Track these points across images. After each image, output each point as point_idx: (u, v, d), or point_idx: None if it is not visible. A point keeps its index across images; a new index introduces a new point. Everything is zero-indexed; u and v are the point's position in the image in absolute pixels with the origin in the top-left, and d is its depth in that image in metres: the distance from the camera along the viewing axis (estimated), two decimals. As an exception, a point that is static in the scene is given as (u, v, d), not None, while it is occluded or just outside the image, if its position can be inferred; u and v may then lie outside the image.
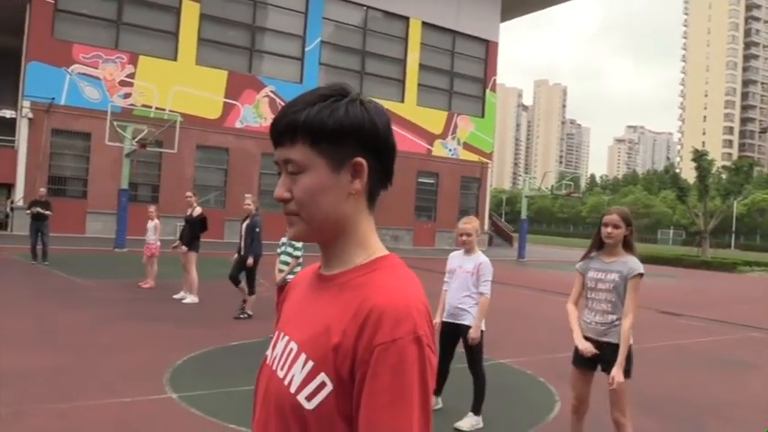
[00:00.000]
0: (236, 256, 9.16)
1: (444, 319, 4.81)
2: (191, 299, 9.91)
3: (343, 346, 0.96)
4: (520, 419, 5.10)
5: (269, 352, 1.10)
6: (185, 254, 10.00)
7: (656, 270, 26.02)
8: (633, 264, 3.70)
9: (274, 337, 1.13)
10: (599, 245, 3.81)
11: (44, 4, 23.59)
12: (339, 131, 1.01)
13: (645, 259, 21.08)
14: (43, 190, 14.99)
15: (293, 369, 1.01)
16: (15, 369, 5.57)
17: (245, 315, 8.78)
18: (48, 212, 14.09)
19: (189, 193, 10.41)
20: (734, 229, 71.88)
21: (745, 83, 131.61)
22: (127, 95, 24.83)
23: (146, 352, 6.57)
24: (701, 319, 11.87)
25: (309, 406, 0.97)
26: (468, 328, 4.63)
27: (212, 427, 4.46)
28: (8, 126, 34.20)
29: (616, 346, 3.61)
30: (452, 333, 4.73)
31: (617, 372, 3.51)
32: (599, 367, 3.73)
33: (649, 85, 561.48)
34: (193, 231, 10.04)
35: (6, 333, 6.98)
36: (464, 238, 4.69)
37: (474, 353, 4.70)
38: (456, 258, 4.86)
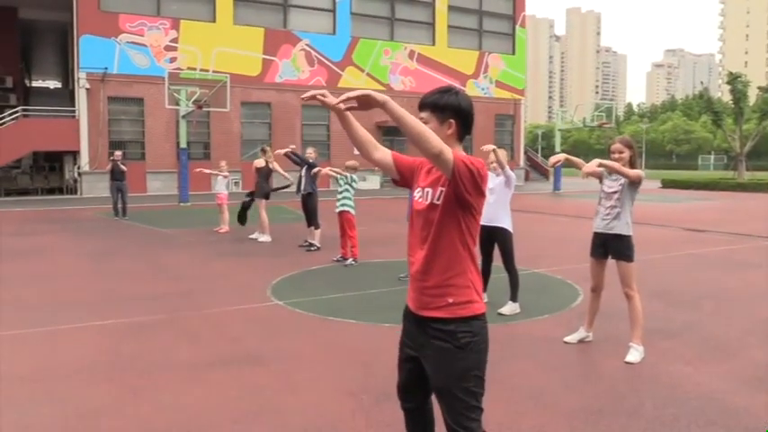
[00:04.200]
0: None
1: (482, 224, 6.18)
2: (265, 238, 11.50)
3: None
4: (550, 306, 6.49)
5: (414, 194, 2.43)
6: (258, 200, 11.58)
7: (690, 194, 26.75)
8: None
9: (414, 191, 2.44)
10: None
11: (90, -22, 24.90)
12: (443, 106, 2.34)
13: (680, 185, 22.30)
14: (119, 152, 16.62)
15: (427, 195, 2.35)
16: (157, 293, 7.22)
17: (315, 247, 10.31)
18: (124, 168, 15.92)
19: (267, 147, 12.11)
20: (777, 150, 70.71)
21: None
22: (173, 59, 26.26)
23: (245, 277, 8.17)
24: (722, 233, 12.95)
25: (438, 202, 2.30)
26: (500, 229, 6.00)
27: (314, 319, 5.98)
28: (59, 96, 36.26)
29: (621, 237, 4.87)
30: (489, 236, 6.06)
31: (593, 164, 4.76)
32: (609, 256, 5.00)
33: (689, 3, 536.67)
34: (264, 182, 11.62)
35: (132, 271, 8.66)
36: (492, 164, 6.11)
37: (506, 253, 6.10)
38: (491, 179, 6.16)
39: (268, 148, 12.02)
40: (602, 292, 5.20)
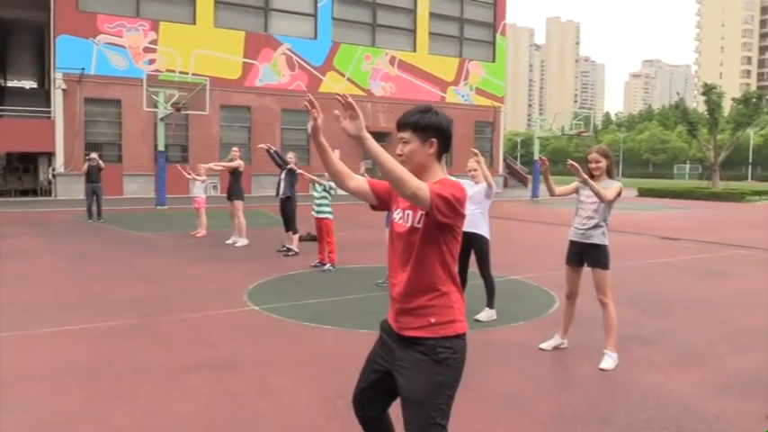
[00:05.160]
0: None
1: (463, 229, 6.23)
2: (242, 242, 11.42)
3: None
4: (525, 313, 6.53)
5: (394, 216, 2.43)
6: (233, 203, 11.47)
7: (665, 203, 27.14)
8: (612, 183, 4.94)
9: (394, 211, 2.44)
10: (591, 176, 5.07)
11: (68, -22, 24.58)
12: (425, 126, 2.33)
13: (656, 194, 22.73)
14: (95, 154, 16.38)
15: (407, 217, 2.35)
16: (133, 297, 7.14)
17: (293, 252, 10.26)
18: (102, 165, 16.02)
19: (235, 149, 11.88)
20: (750, 160, 72.05)
21: (764, 9, 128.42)
22: (152, 61, 26.02)
23: (222, 281, 8.10)
24: (696, 241, 13.15)
25: (419, 225, 2.30)
26: (477, 236, 6.03)
27: (291, 325, 5.95)
28: (35, 97, 35.72)
29: (597, 246, 4.92)
30: (466, 242, 6.09)
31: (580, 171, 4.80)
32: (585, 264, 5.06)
33: (666, 16, 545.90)
34: (238, 184, 11.53)
35: (108, 275, 8.55)
36: (472, 172, 6.15)
37: (483, 259, 6.14)
38: (468, 186, 6.20)
39: (235, 149, 11.98)
40: (578, 300, 5.26)
